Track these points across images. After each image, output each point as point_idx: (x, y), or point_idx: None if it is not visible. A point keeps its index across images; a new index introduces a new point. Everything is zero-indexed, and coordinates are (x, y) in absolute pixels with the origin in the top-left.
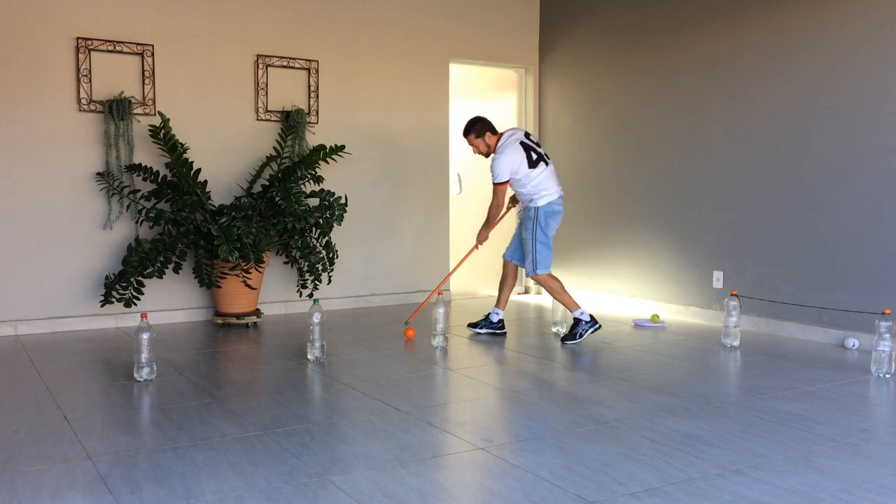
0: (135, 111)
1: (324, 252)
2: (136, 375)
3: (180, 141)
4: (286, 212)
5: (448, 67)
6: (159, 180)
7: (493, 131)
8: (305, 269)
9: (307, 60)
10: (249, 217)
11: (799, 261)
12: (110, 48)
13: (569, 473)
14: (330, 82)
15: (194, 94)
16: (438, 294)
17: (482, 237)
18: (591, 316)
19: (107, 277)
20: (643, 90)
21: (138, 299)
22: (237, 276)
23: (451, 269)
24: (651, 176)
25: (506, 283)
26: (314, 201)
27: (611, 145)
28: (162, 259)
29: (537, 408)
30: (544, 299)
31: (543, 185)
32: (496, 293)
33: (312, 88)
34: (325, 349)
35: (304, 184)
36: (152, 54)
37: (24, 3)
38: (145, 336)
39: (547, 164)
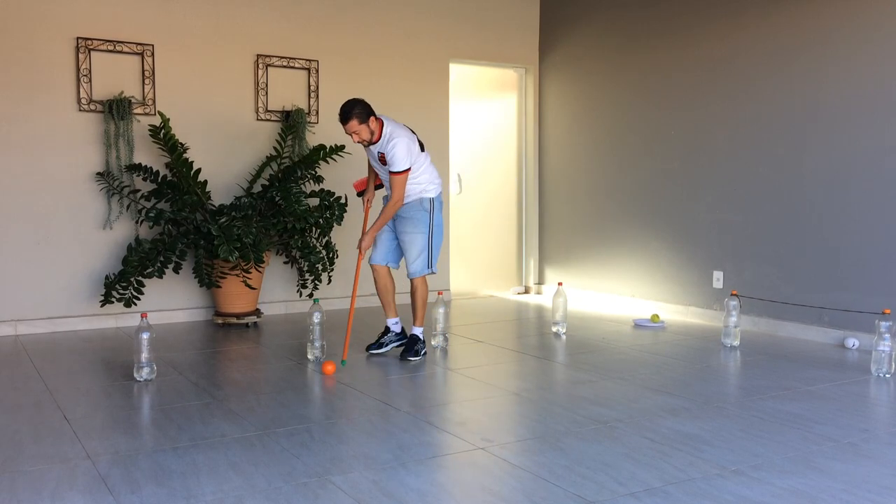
0: (135, 111)
1: (324, 252)
2: (136, 375)
3: (180, 141)
4: (286, 212)
5: (448, 67)
6: (159, 180)
7: (375, 115)
8: (305, 268)
9: (307, 60)
10: (249, 217)
11: (799, 261)
12: (110, 48)
13: (569, 473)
14: (330, 82)
15: (194, 94)
16: (349, 314)
17: (367, 243)
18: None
19: (107, 277)
20: (643, 90)
21: (138, 299)
22: (237, 275)
23: (351, 284)
24: (651, 176)
25: (387, 290)
26: (314, 201)
27: (611, 145)
28: (162, 259)
29: (537, 408)
30: (544, 299)
31: (433, 173)
32: (496, 293)
33: (312, 88)
34: (325, 349)
35: (304, 184)
36: (152, 54)
37: (24, 3)
38: (145, 336)
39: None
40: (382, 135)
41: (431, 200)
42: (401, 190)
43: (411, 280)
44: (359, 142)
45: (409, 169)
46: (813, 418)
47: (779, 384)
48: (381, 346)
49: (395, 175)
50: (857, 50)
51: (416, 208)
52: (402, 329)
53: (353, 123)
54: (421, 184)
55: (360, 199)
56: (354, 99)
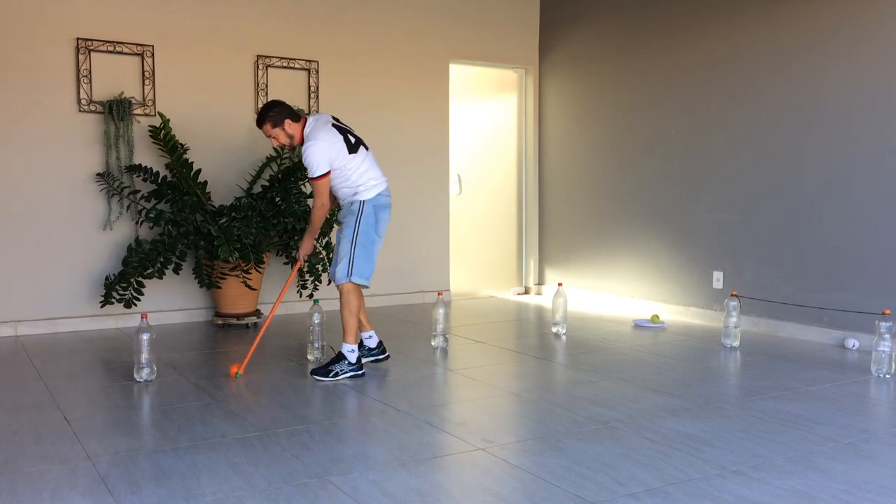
0: (135, 112)
1: (324, 253)
2: (136, 376)
3: (180, 141)
4: (286, 212)
5: (448, 68)
6: (159, 181)
7: (295, 117)
8: (305, 269)
9: (307, 61)
10: (249, 217)
11: (799, 261)
12: (110, 49)
13: (569, 474)
14: (330, 83)
15: (194, 95)
16: (267, 322)
17: (306, 249)
18: (359, 360)
19: (107, 278)
20: (643, 90)
21: (138, 300)
22: (237, 276)
23: (282, 290)
24: (651, 176)
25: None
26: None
27: (611, 145)
28: (162, 259)
29: (537, 408)
30: (544, 300)
31: (369, 174)
32: (496, 293)
33: (312, 89)
34: (325, 349)
35: (303, 184)
36: (152, 55)
37: (24, 3)
38: (145, 336)
39: (367, 148)
40: (303, 137)
41: (362, 203)
42: (321, 196)
43: (337, 287)
44: (278, 146)
45: (327, 173)
46: (813, 419)
47: (779, 384)
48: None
49: (313, 181)
50: (856, 50)
51: (346, 211)
52: (379, 343)
53: (267, 127)
54: (351, 186)
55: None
56: (272, 101)
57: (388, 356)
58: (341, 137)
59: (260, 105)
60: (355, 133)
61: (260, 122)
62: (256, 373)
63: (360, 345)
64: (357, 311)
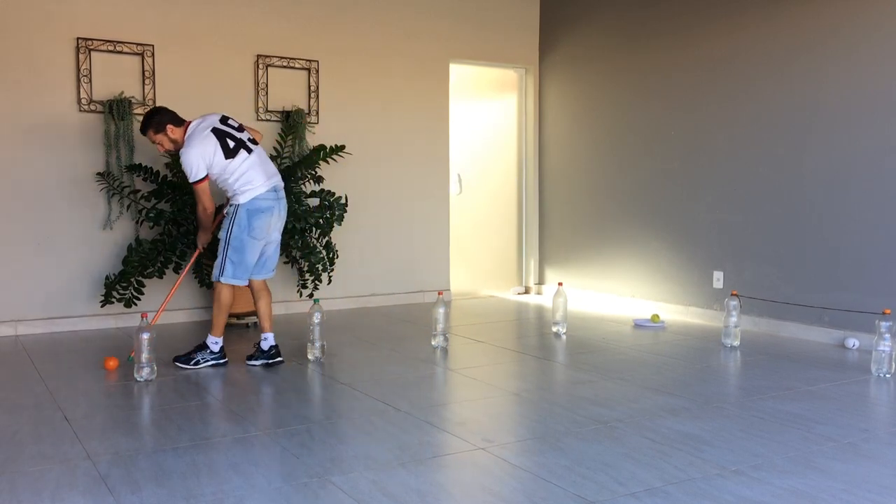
0: (135, 111)
1: (324, 252)
2: (136, 375)
3: None
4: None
5: (448, 67)
6: (159, 180)
7: (177, 122)
8: (305, 269)
9: (307, 60)
10: None
11: (799, 261)
12: (111, 48)
13: (569, 473)
14: (330, 82)
15: (194, 94)
16: (153, 318)
17: (204, 239)
18: (222, 350)
19: (107, 277)
20: (643, 90)
21: (138, 299)
22: None
23: (173, 288)
24: (651, 176)
25: (257, 304)
26: (314, 201)
27: (611, 145)
28: (162, 259)
29: (537, 408)
30: (544, 299)
31: (247, 178)
32: (496, 293)
33: (312, 88)
34: (325, 349)
35: (304, 184)
36: (152, 54)
37: (24, 3)
38: (145, 336)
39: (250, 151)
40: (184, 141)
41: (237, 207)
42: (203, 200)
43: (214, 284)
44: (164, 152)
45: (205, 177)
46: (813, 418)
47: (779, 384)
48: (253, 357)
49: (192, 185)
50: (856, 50)
51: (226, 214)
52: (273, 346)
53: (151, 134)
54: (229, 190)
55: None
56: (155, 108)
57: (281, 361)
58: (218, 143)
59: (260, 104)
60: (239, 135)
61: (143, 130)
62: (256, 373)
63: (257, 347)
64: (227, 308)
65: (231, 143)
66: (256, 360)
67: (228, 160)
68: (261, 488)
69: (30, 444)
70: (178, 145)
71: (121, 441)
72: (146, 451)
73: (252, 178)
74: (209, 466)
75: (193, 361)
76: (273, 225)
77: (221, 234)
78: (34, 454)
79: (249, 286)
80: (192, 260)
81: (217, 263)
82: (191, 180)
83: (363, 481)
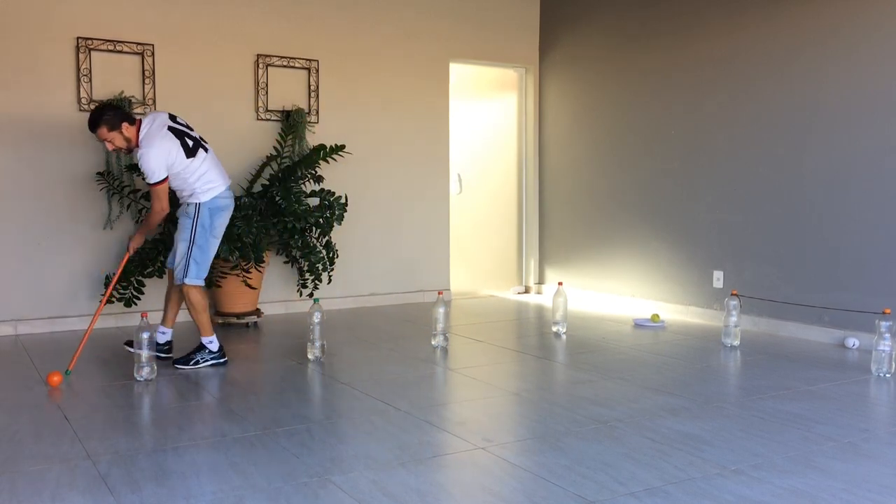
0: (135, 111)
1: (324, 252)
2: (136, 375)
3: None
4: (286, 211)
5: (448, 67)
6: None
7: (130, 120)
8: (305, 268)
9: (307, 60)
10: (250, 217)
11: (799, 260)
12: (111, 48)
13: (569, 473)
14: (330, 82)
15: (194, 94)
16: (93, 319)
17: (136, 243)
18: (220, 348)
19: (107, 277)
20: (643, 90)
21: (139, 299)
22: (237, 275)
23: (109, 284)
24: (651, 175)
25: (171, 297)
26: (314, 201)
27: (611, 145)
28: (162, 259)
29: (537, 408)
30: (544, 299)
31: (208, 177)
32: (496, 293)
33: (312, 88)
34: (325, 349)
35: (304, 183)
36: (152, 54)
37: (24, 2)
38: (145, 336)
39: (206, 150)
40: (139, 141)
41: (198, 206)
42: (161, 201)
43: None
44: (114, 149)
45: (165, 179)
46: (813, 418)
47: (779, 384)
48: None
49: (151, 186)
50: (856, 50)
51: (183, 213)
52: (169, 343)
53: (103, 131)
54: (188, 189)
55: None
56: (105, 104)
57: (171, 357)
58: (178, 142)
59: (260, 103)
60: (194, 134)
61: (94, 126)
62: (256, 372)
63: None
64: (204, 308)
65: (190, 143)
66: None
67: (190, 159)
68: (261, 488)
69: (30, 443)
70: (131, 145)
71: (121, 441)
72: (146, 450)
73: (213, 178)
74: (209, 466)
75: (193, 362)
76: (226, 223)
77: (183, 235)
78: (34, 454)
79: (171, 276)
80: (122, 266)
81: (180, 265)
82: (151, 181)
83: (363, 481)
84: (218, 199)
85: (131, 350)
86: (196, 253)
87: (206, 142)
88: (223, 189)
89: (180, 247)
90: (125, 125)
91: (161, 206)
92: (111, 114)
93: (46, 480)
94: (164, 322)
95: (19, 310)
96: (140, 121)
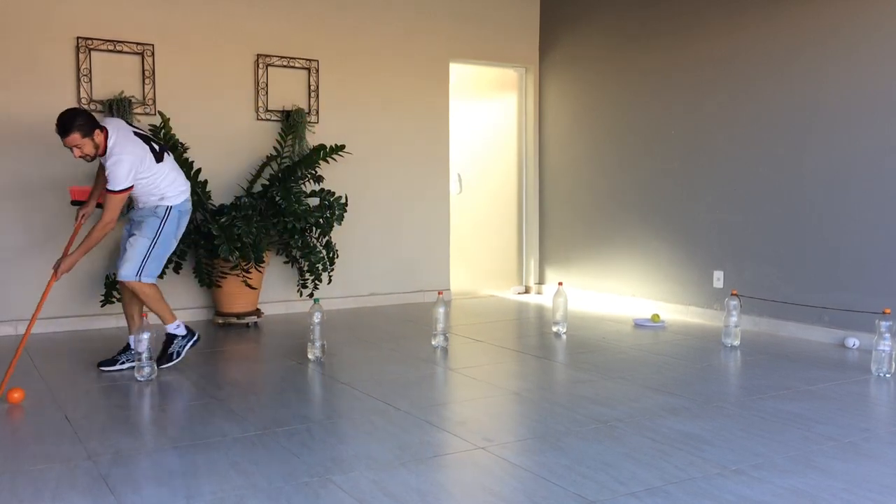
0: (135, 111)
1: (324, 252)
2: (136, 375)
3: (181, 140)
4: (286, 211)
5: (448, 67)
6: None
7: (100, 127)
8: (306, 268)
9: (307, 60)
10: (249, 217)
11: (799, 260)
12: (110, 48)
13: (569, 473)
14: (330, 82)
15: (195, 94)
16: (22, 340)
17: (70, 262)
18: (186, 327)
19: (107, 277)
20: (643, 90)
21: None
22: (237, 275)
23: (37, 305)
24: (651, 175)
25: (133, 302)
26: (314, 201)
27: (611, 145)
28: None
29: (538, 407)
30: (544, 299)
31: (177, 181)
32: (496, 293)
33: (312, 88)
34: (325, 349)
35: (304, 183)
36: (152, 54)
37: (24, 2)
38: (146, 336)
39: (170, 154)
40: (107, 147)
41: (169, 208)
42: (114, 211)
43: (125, 283)
44: (80, 156)
45: (129, 188)
46: (813, 418)
47: (779, 384)
48: (114, 362)
49: (112, 194)
50: (856, 50)
51: (148, 213)
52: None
53: (76, 137)
54: (157, 193)
55: (76, 208)
56: (74, 109)
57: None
58: (147, 147)
59: (260, 103)
60: (155, 139)
61: (65, 132)
62: (257, 372)
63: (127, 347)
64: (158, 296)
65: (157, 147)
66: (122, 363)
67: (159, 164)
68: (261, 487)
69: (30, 443)
70: (99, 152)
71: (121, 440)
72: (147, 450)
73: (182, 182)
74: (210, 466)
75: (174, 355)
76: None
77: (146, 233)
78: (35, 453)
79: (124, 287)
80: (47, 291)
81: (133, 263)
82: (117, 188)
83: (364, 481)
84: (186, 202)
85: (105, 370)
86: (157, 251)
87: (167, 147)
88: (189, 192)
89: (139, 243)
90: (97, 132)
91: (112, 217)
92: (83, 119)
93: (47, 480)
94: (133, 332)
95: (20, 310)
96: (105, 129)
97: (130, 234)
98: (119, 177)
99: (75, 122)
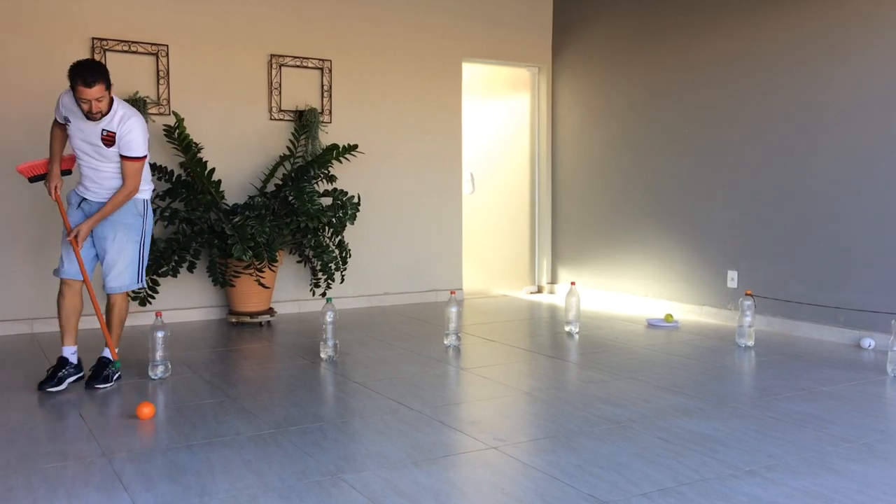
0: (149, 111)
1: (337, 251)
2: (150, 373)
3: (194, 140)
4: (299, 211)
5: (461, 66)
6: (174, 180)
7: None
8: (318, 268)
9: (320, 60)
10: (263, 216)
11: (814, 260)
12: (125, 48)
13: (581, 473)
14: (343, 82)
15: (208, 94)
16: None
17: (88, 228)
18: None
19: None
20: (656, 88)
21: (153, 298)
22: (251, 275)
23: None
24: (664, 174)
25: (77, 311)
26: (327, 200)
27: (624, 144)
28: (176, 258)
29: (550, 407)
30: (557, 299)
31: (148, 172)
32: (508, 292)
33: (325, 88)
34: (337, 348)
35: (317, 183)
36: (167, 54)
37: (39, 3)
38: (160, 334)
39: None
40: (112, 111)
41: (145, 202)
42: (138, 178)
43: (110, 296)
44: (88, 112)
45: (146, 156)
46: (828, 419)
47: (793, 384)
48: (60, 381)
49: (133, 161)
50: (871, 47)
51: (128, 211)
52: (80, 360)
53: (101, 87)
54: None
55: (43, 185)
56: (96, 61)
57: (83, 375)
58: None
59: (273, 103)
60: None
61: (94, 80)
62: (270, 371)
63: (64, 362)
64: (125, 318)
65: None
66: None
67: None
68: (274, 486)
69: (45, 441)
70: (105, 112)
71: (135, 438)
72: (161, 448)
73: (149, 172)
74: (223, 464)
75: (115, 377)
76: None
77: (132, 237)
78: (50, 451)
79: (68, 286)
80: (78, 254)
81: (131, 272)
82: (139, 154)
83: (376, 480)
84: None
85: (55, 389)
86: (145, 253)
87: None
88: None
89: (129, 250)
90: (111, 89)
91: (136, 183)
92: (105, 70)
93: (62, 478)
94: (69, 341)
95: (35, 309)
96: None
97: (98, 238)
98: (138, 143)
99: (103, 70)
